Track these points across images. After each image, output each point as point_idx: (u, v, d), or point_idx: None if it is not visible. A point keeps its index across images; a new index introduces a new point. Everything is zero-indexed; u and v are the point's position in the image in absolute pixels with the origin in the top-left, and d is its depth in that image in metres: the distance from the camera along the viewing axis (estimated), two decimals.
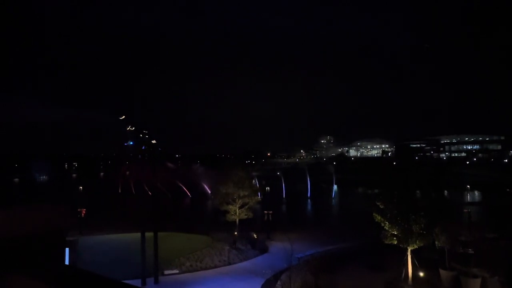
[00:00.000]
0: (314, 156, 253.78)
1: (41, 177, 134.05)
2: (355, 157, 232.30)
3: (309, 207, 64.25)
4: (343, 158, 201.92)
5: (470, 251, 23.15)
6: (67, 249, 17.18)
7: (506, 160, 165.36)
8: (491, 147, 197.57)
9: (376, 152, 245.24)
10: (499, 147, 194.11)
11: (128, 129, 19.06)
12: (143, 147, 20.92)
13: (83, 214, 37.46)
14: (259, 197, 33.61)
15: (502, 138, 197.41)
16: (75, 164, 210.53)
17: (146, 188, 31.31)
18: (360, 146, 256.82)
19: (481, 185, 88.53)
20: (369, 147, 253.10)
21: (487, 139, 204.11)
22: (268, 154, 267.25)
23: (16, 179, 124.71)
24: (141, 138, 19.79)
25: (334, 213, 58.73)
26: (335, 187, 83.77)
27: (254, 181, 42.47)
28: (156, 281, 22.56)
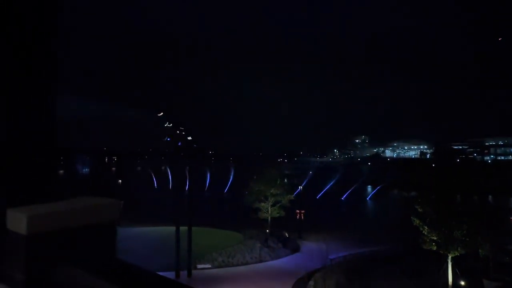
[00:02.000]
0: (348, 156, 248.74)
1: (83, 170, 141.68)
2: (391, 157, 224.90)
3: (342, 207, 63.01)
4: (378, 159, 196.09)
5: None
6: None
7: None
8: None
9: (414, 153, 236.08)
10: None
11: (166, 125, 19.52)
12: (179, 143, 21.31)
13: (121, 206, 38.98)
14: (292, 195, 33.39)
15: None
16: (114, 159, 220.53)
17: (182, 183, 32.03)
18: (397, 147, 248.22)
19: None
20: (406, 147, 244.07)
21: None
22: (301, 153, 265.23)
23: (61, 171, 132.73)
24: (178, 135, 20.17)
25: (368, 214, 57.18)
26: (369, 187, 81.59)
27: (286, 179, 42.24)
28: (189, 275, 23.09)
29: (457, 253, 19.37)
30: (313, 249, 22.06)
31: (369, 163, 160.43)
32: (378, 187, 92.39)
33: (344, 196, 70.46)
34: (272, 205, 31.63)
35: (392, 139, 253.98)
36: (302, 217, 34.55)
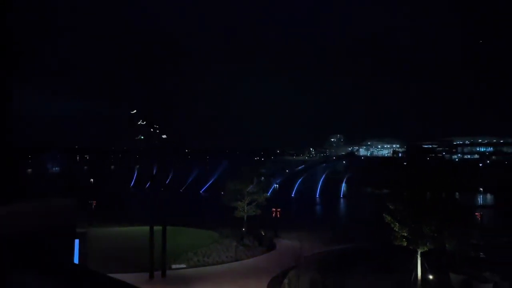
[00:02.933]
0: (323, 155, 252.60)
1: (53, 169, 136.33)
2: (365, 156, 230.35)
3: (317, 205, 63.94)
4: (353, 157, 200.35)
5: (482, 255, 22.73)
6: (77, 241, 17.38)
7: None
8: (505, 149, 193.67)
9: (386, 151, 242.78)
10: None
11: (139, 123, 19.10)
12: (154, 142, 20.92)
13: (93, 206, 38.00)
14: (268, 194, 33.52)
15: None
16: (86, 157, 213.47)
17: (156, 182, 31.50)
18: (371, 146, 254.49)
19: (494, 187, 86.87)
20: (379, 146, 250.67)
21: (501, 141, 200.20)
22: (278, 151, 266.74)
23: (29, 170, 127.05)
24: (152, 133, 19.81)
25: (342, 212, 58.31)
26: (343, 185, 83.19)
27: (262, 178, 42.37)
28: (164, 275, 22.73)
29: (426, 249, 20.06)
30: (288, 247, 22.20)
31: (344, 161, 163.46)
32: (349, 185, 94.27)
33: (319, 194, 71.49)
34: (248, 204, 31.62)
35: (366, 138, 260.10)
36: (278, 215, 34.80)
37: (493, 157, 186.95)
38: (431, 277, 20.76)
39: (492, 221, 41.23)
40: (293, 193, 70.56)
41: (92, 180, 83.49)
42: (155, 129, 18.82)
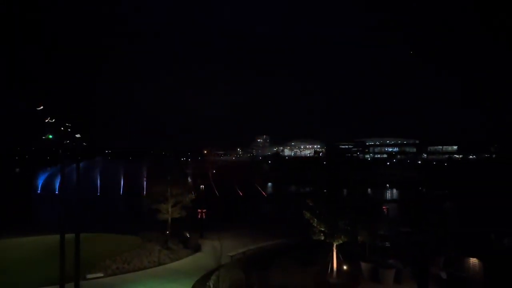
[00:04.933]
0: (250, 155, 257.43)
1: None
2: (289, 156, 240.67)
3: (243, 205, 64.88)
4: (278, 157, 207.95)
5: (387, 244, 25.33)
6: None
7: (420, 162, 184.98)
8: (407, 149, 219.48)
9: (308, 152, 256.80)
10: (415, 149, 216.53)
11: (46, 120, 17.18)
12: (65, 141, 19.04)
13: None
14: (193, 195, 32.93)
15: (417, 141, 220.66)
16: None
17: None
18: (294, 146, 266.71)
19: (398, 183, 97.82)
20: (302, 147, 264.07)
21: (405, 142, 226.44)
22: (205, 151, 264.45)
23: None
24: (63, 131, 17.99)
25: (267, 211, 60.08)
26: (269, 184, 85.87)
27: (188, 178, 41.60)
28: (77, 287, 20.83)
29: (341, 241, 21.71)
30: (214, 248, 22.07)
31: (269, 161, 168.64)
32: (276, 184, 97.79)
33: (245, 193, 72.63)
34: (173, 206, 30.71)
35: (290, 139, 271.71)
36: (204, 216, 34.46)
37: (398, 156, 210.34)
38: (345, 267, 22.51)
39: (396, 213, 46.18)
40: (219, 193, 70.59)
41: None
42: (66, 127, 17.12)
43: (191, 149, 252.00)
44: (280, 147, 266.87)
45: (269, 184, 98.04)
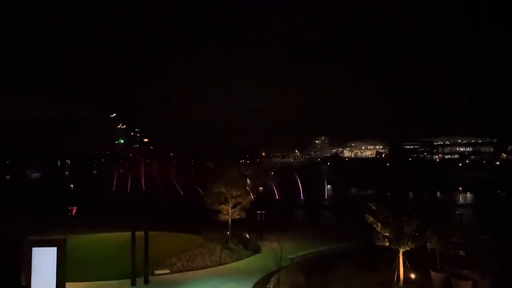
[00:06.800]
0: (308, 156, 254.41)
1: (33, 175, 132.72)
2: (349, 157, 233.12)
3: (302, 207, 64.18)
4: (337, 159, 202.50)
5: (461, 253, 23.23)
6: (55, 249, 16.85)
7: (498, 162, 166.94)
8: (483, 149, 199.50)
9: (370, 153, 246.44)
10: (492, 149, 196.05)
11: (119, 127, 18.63)
12: (135, 145, 20.45)
13: (73, 212, 37.16)
14: (252, 196, 33.40)
15: (495, 140, 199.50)
16: (68, 162, 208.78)
17: (141, 185, 30.96)
18: (354, 147, 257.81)
19: (473, 186, 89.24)
20: (363, 148, 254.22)
21: (479, 141, 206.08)
22: (263, 153, 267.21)
23: (8, 176, 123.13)
24: (133, 136, 19.37)
25: (327, 214, 58.70)
26: (328, 187, 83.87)
27: (247, 180, 42.28)
28: (146, 281, 22.29)
29: (407, 248, 20.36)
30: (274, 250, 22.13)
31: (328, 163, 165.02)
32: (336, 186, 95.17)
33: (304, 196, 71.81)
34: (233, 207, 31.43)
35: (350, 139, 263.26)
36: (263, 218, 34.72)
37: (472, 157, 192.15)
38: (412, 276, 21.06)
39: (472, 219, 42.23)
40: (278, 195, 70.67)
41: (72, 185, 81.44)
42: (136, 132, 18.41)
43: (249, 151, 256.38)
44: (339, 148, 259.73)
45: (328, 186, 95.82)
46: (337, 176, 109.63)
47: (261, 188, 72.10)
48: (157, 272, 24.04)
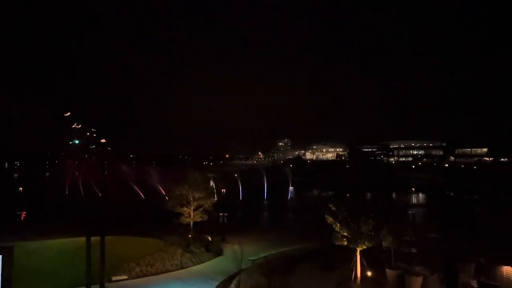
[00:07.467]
0: (271, 159, 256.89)
1: None
2: (311, 160, 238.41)
3: (265, 209, 64.67)
4: (300, 161, 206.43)
5: (414, 250, 24.48)
6: None
7: (447, 165, 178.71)
8: (434, 152, 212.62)
9: (331, 155, 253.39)
10: (441, 152, 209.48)
11: (73, 126, 17.79)
12: (91, 146, 19.63)
13: (22, 218, 34.78)
14: (215, 199, 33.13)
15: (444, 144, 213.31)
16: (17, 164, 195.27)
17: (96, 189, 29.65)
18: (316, 149, 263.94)
19: (424, 187, 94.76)
20: (324, 150, 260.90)
21: (431, 145, 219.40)
22: (227, 155, 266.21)
23: None
24: (89, 137, 18.56)
25: (289, 215, 59.60)
26: (291, 189, 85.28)
27: (210, 182, 41.91)
28: None
29: (364, 247, 21.16)
30: (236, 252, 22.08)
31: (291, 165, 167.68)
32: (298, 188, 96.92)
33: (266, 198, 72.41)
34: (195, 209, 30.98)
35: (312, 142, 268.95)
36: (226, 220, 34.55)
37: (424, 159, 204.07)
38: (369, 273, 21.91)
39: (423, 218, 44.77)
40: (241, 197, 70.73)
41: (21, 188, 76.18)
42: (92, 132, 17.67)
43: (212, 153, 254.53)
44: (302, 150, 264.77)
45: (291, 188, 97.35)
46: (300, 178, 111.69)
47: (223, 190, 71.71)
48: (114, 278, 23.08)
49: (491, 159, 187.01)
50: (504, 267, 20.20)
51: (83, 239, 21.99)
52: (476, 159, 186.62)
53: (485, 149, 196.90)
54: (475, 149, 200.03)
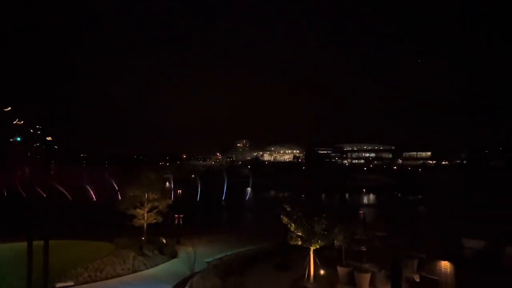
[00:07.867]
0: (230, 160, 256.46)
1: None
2: (269, 161, 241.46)
3: (222, 210, 64.39)
4: (258, 162, 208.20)
5: (363, 248, 25.63)
6: None
7: (395, 167, 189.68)
8: (384, 155, 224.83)
9: (288, 157, 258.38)
10: (390, 155, 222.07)
11: (15, 122, 16.40)
12: (35, 144, 18.24)
13: None
14: (170, 200, 32.34)
15: (393, 147, 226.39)
16: None
17: (39, 190, 27.67)
18: (274, 151, 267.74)
19: (374, 188, 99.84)
20: (281, 152, 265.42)
21: (381, 148, 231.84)
22: (184, 156, 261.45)
23: None
24: (32, 134, 17.23)
25: (246, 216, 59.84)
26: (248, 190, 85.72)
27: (166, 183, 40.90)
28: None
29: (317, 246, 21.78)
30: (191, 254, 21.73)
31: (249, 166, 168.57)
32: (256, 189, 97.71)
33: (224, 198, 72.17)
34: (149, 211, 30.04)
35: (270, 143, 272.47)
36: (181, 222, 33.88)
37: (375, 162, 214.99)
38: (322, 272, 22.59)
39: (373, 218, 47.08)
40: (198, 198, 69.85)
41: None
42: (37, 129, 16.36)
43: (169, 153, 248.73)
44: (260, 152, 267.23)
45: (248, 189, 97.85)
46: (258, 179, 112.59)
47: (180, 191, 70.38)
48: (58, 285, 21.65)
49: (434, 162, 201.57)
50: (442, 261, 21.79)
51: (22, 244, 20.46)
52: (421, 162, 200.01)
53: (429, 153, 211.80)
54: (420, 152, 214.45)
